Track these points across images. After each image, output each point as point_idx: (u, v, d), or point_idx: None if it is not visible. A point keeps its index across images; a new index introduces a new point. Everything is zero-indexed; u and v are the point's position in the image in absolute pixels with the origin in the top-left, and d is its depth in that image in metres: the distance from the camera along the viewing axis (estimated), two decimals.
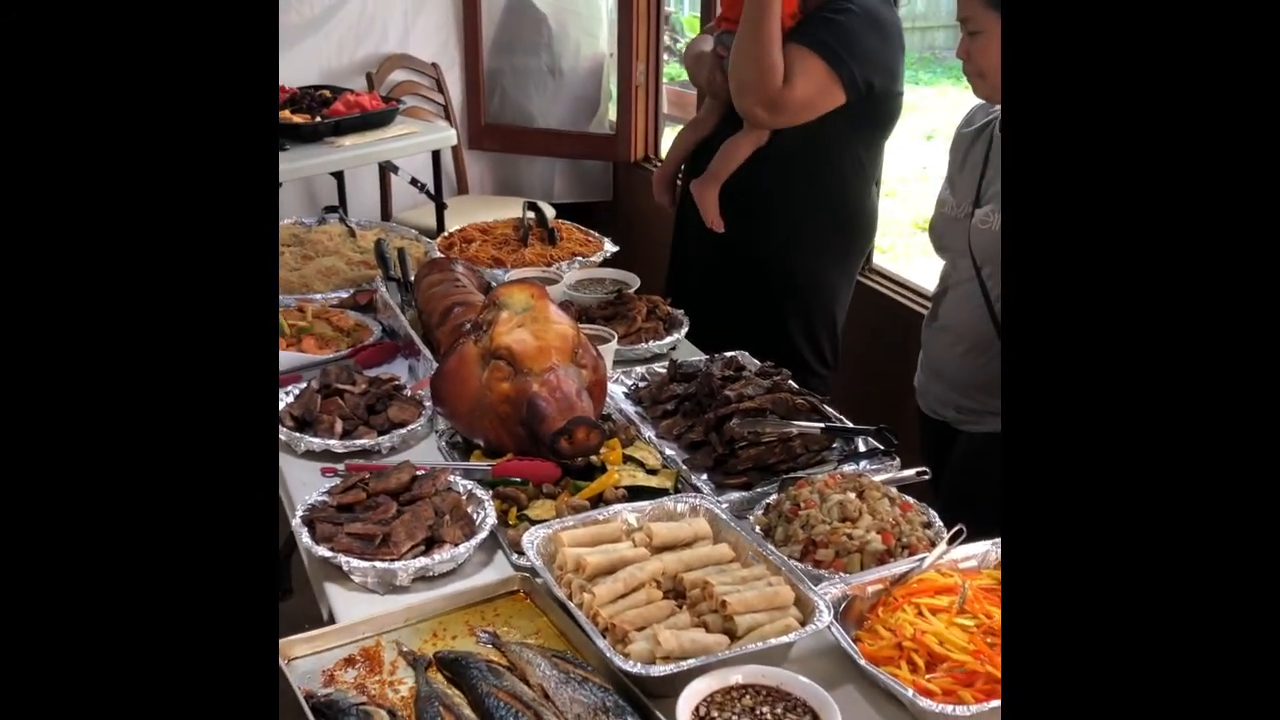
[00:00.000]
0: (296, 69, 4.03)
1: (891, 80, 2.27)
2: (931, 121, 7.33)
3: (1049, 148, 0.82)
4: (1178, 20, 0.77)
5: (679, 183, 2.66)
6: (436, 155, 3.92)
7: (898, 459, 1.68)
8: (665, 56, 4.43)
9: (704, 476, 1.66)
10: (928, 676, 1.21)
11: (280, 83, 3.86)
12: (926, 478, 1.66)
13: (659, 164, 3.41)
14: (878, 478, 1.58)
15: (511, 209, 2.79)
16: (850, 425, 1.73)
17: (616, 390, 1.91)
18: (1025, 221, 0.84)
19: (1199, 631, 0.76)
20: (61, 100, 0.78)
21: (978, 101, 1.98)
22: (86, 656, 0.77)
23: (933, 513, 1.51)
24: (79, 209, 0.78)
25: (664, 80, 4.39)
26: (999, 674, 1.19)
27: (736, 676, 1.20)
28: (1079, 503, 0.80)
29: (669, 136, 3.89)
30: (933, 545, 1.43)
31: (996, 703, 1.15)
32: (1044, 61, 0.82)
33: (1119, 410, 0.79)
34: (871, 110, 2.28)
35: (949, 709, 1.14)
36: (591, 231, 2.69)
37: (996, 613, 1.28)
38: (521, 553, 1.42)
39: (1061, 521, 0.81)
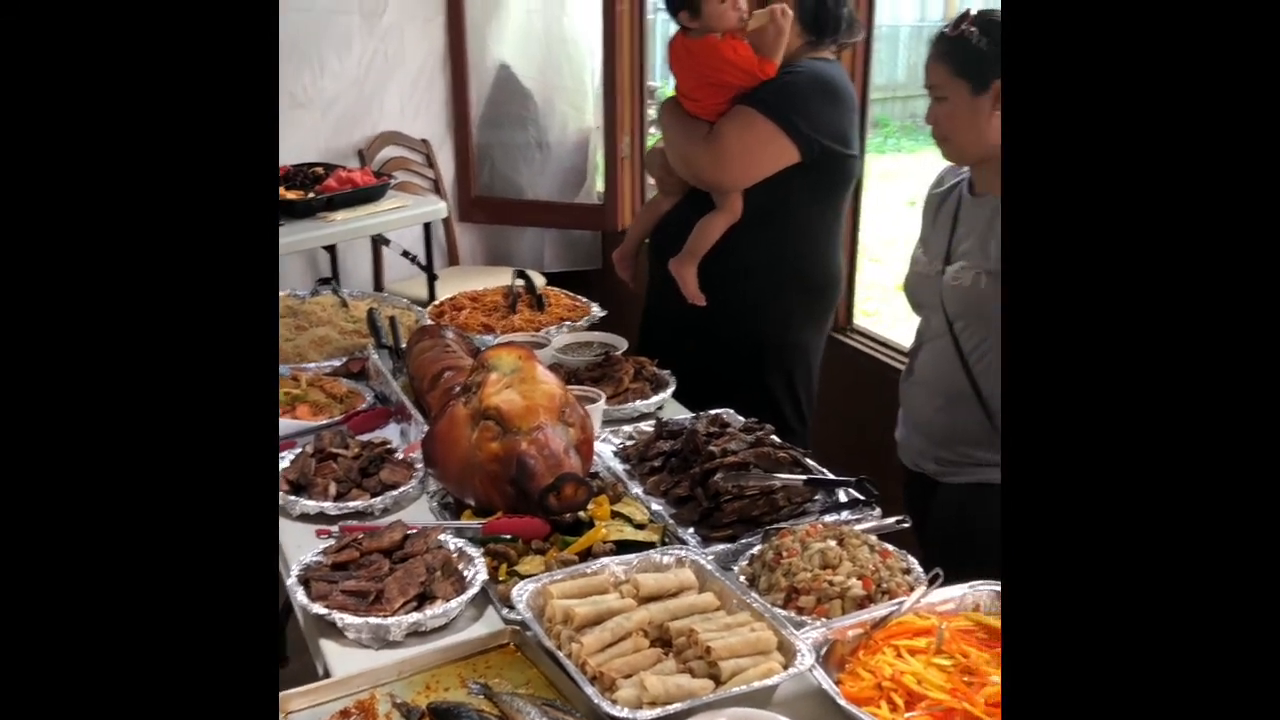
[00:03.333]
0: (295, 148, 4.14)
1: (843, 141, 2.32)
2: (914, 188, 7.48)
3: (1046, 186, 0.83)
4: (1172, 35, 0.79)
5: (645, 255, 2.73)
6: (428, 228, 4.01)
7: (878, 509, 1.73)
8: (649, 129, 4.55)
9: (690, 530, 1.70)
10: (907, 715, 1.24)
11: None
12: (906, 525, 1.70)
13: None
14: (859, 527, 1.63)
15: (502, 278, 2.86)
16: (832, 477, 1.78)
17: (605, 449, 1.96)
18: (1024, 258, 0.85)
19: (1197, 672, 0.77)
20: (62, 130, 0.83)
21: (947, 164, 2.06)
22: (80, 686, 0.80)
23: (912, 559, 1.55)
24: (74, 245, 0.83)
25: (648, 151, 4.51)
26: (976, 711, 1.23)
27: (722, 719, 1.23)
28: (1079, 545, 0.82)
29: None
30: (911, 590, 1.47)
31: None
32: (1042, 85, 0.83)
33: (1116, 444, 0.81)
34: (829, 172, 2.35)
35: None
36: (579, 297, 2.75)
37: (973, 652, 1.32)
38: (512, 606, 1.46)
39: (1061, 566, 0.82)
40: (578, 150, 4.76)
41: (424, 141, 4.54)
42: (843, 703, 1.26)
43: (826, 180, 2.35)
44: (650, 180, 4.50)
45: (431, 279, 3.94)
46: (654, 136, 5.02)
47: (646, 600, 1.45)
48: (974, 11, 1.86)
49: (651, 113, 4.60)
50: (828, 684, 1.28)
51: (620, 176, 4.38)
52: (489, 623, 1.51)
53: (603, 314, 2.63)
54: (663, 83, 8.07)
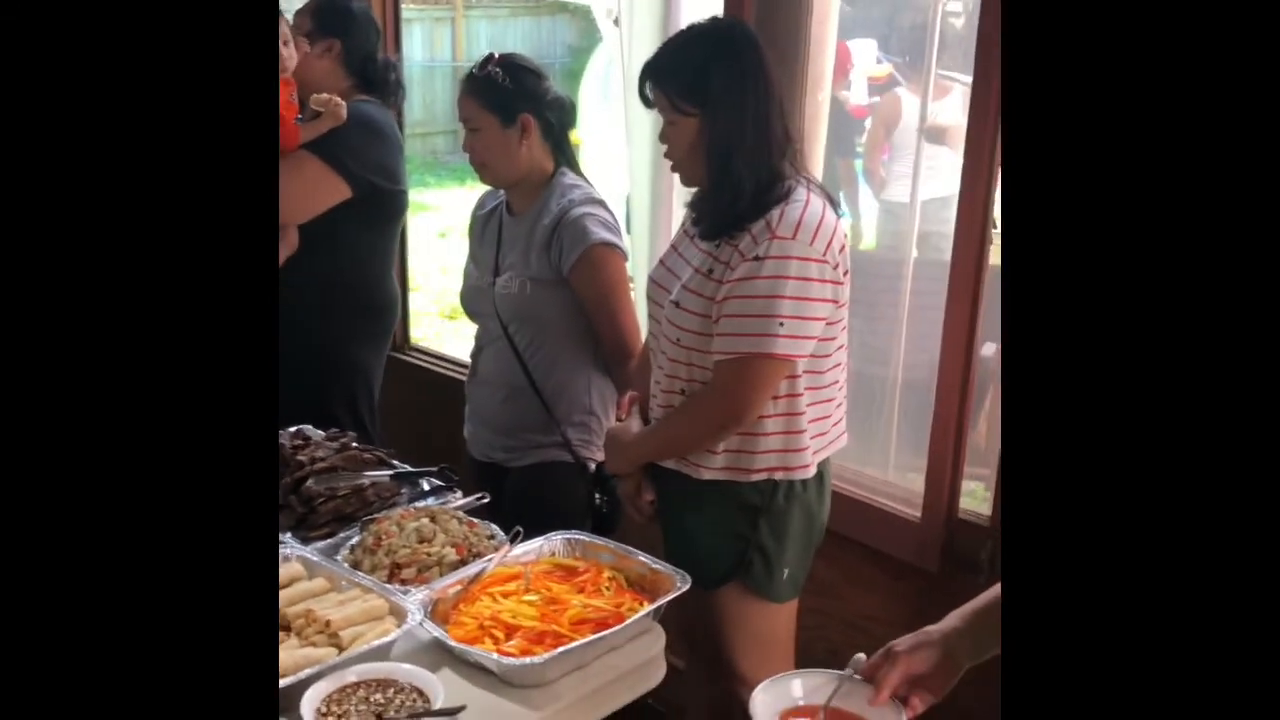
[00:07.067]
0: None
1: (390, 177, 2.53)
2: (443, 220, 7.80)
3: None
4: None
5: None
6: None
7: (459, 492, 1.95)
8: None
9: (289, 535, 1.81)
10: (508, 644, 1.48)
11: None
12: (486, 501, 1.94)
13: None
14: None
15: None
16: (415, 469, 1.97)
17: None
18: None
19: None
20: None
21: (485, 189, 2.34)
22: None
23: (495, 526, 1.79)
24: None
25: None
26: (562, 630, 1.49)
27: (350, 676, 1.38)
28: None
29: None
30: (498, 550, 1.70)
31: (563, 648, 1.44)
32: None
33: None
34: (377, 206, 2.53)
35: (527, 660, 1.42)
36: None
37: (555, 586, 1.59)
38: None
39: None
40: None
41: None
42: (452, 644, 1.46)
43: (376, 213, 2.54)
44: None
45: None
46: None
47: None
48: (498, 54, 2.15)
49: None
50: (438, 633, 1.48)
51: None
52: None
53: None
54: None
